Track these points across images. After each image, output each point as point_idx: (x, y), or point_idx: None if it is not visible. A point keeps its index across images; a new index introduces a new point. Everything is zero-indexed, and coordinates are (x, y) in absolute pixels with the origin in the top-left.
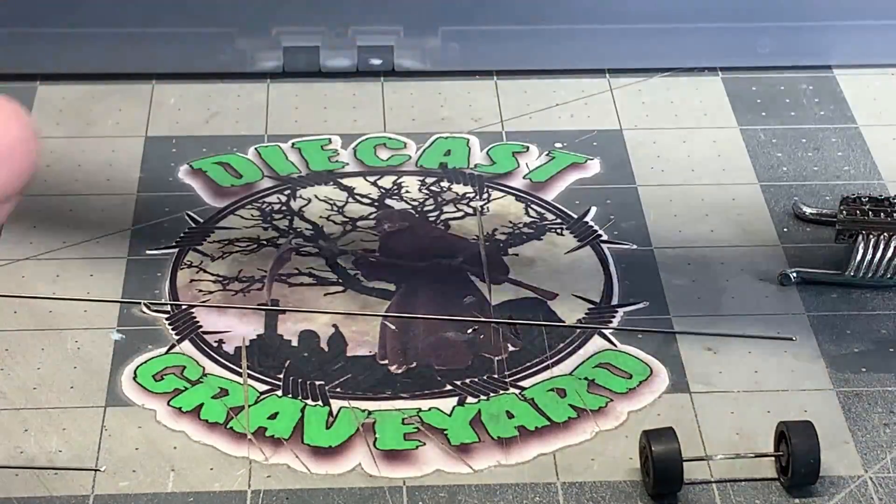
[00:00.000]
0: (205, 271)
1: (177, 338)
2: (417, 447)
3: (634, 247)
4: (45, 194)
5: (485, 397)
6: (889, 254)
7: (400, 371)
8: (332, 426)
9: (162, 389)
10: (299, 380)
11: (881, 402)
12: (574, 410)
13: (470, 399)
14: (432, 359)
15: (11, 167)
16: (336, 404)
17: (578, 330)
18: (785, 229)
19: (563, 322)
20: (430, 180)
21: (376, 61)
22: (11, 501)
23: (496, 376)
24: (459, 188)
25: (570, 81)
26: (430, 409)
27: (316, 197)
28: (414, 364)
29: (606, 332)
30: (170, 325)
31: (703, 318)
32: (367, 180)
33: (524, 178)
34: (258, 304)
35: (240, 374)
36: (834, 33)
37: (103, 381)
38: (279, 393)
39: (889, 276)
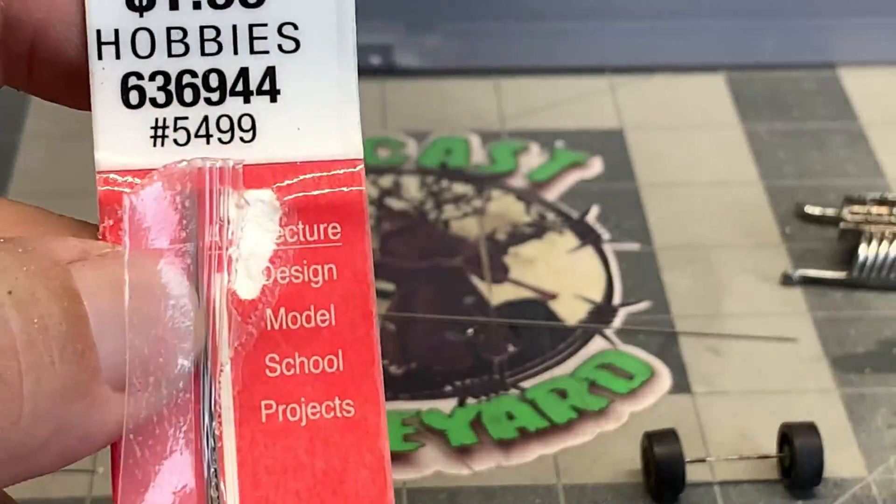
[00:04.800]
0: None
1: None
2: (417, 448)
3: (636, 246)
4: (44, 192)
5: (485, 398)
6: (893, 254)
7: (399, 372)
8: None
9: None
10: None
11: (885, 403)
12: (575, 411)
13: (470, 400)
14: (432, 359)
15: None
16: None
17: (579, 330)
18: (788, 229)
19: (564, 322)
20: (429, 180)
21: (376, 60)
22: None
23: (496, 377)
24: (459, 188)
25: (571, 80)
26: (429, 410)
27: None
28: (414, 364)
29: (608, 332)
30: None
31: (705, 318)
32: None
33: (525, 177)
34: None
35: None
36: (838, 31)
37: None
38: None
39: (894, 276)
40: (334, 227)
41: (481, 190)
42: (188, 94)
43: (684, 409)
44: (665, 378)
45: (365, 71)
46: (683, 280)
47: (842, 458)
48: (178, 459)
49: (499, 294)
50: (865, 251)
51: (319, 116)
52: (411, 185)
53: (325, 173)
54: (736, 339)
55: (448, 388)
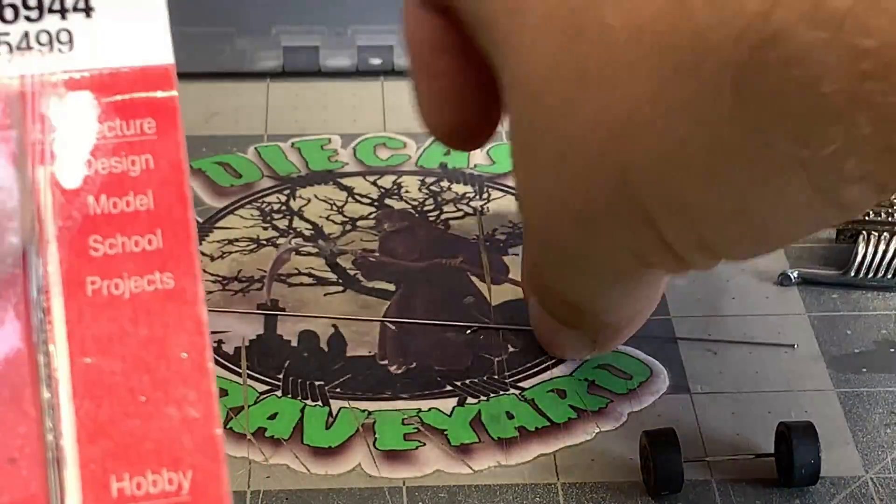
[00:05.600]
0: (205, 271)
1: None
2: (417, 447)
3: None
4: None
5: (485, 398)
6: (890, 254)
7: (400, 371)
8: (331, 426)
9: None
10: (299, 380)
11: (882, 402)
12: (574, 411)
13: (470, 399)
14: (432, 359)
15: None
16: (336, 404)
17: None
18: None
19: None
20: (429, 180)
21: (376, 61)
22: None
23: (496, 377)
24: (459, 188)
25: None
26: (429, 410)
27: (315, 197)
28: (414, 364)
29: None
30: None
31: (704, 318)
32: (366, 180)
33: None
34: (258, 305)
35: (239, 375)
36: None
37: None
38: (279, 393)
39: (890, 276)
40: (149, 122)
41: (481, 190)
42: (9, 13)
43: (682, 408)
44: (663, 378)
45: (365, 71)
46: (681, 280)
47: (839, 457)
48: (9, 329)
49: (499, 294)
50: (863, 251)
51: (131, 28)
52: (411, 185)
53: (139, 77)
54: (733, 343)
55: (448, 387)
